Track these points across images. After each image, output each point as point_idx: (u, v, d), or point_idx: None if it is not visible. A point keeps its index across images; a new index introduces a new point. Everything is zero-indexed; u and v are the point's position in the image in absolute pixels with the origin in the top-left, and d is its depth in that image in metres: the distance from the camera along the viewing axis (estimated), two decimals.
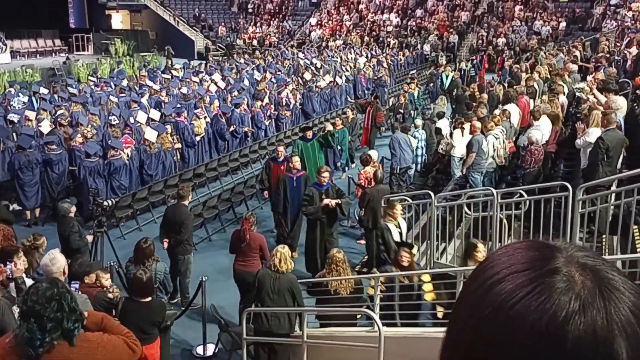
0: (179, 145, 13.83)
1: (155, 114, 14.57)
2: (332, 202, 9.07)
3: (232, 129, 15.45)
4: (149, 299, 5.97)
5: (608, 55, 17.94)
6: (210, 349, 7.58)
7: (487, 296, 0.71)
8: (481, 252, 6.18)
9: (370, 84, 23.01)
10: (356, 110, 17.79)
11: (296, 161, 10.45)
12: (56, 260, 5.07)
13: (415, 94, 19.79)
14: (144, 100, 16.58)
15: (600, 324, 0.66)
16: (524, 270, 0.71)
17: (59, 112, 14.70)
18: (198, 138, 14.46)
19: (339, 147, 14.55)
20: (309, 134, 12.84)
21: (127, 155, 12.22)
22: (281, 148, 11.22)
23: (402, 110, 17.85)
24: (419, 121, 14.39)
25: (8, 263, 5.52)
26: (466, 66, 24.45)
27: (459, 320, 0.75)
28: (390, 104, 20.05)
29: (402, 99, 18.59)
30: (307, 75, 21.82)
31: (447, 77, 22.29)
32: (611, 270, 0.71)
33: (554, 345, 0.65)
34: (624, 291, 0.69)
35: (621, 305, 0.67)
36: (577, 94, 13.26)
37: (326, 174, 9.49)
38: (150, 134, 12.78)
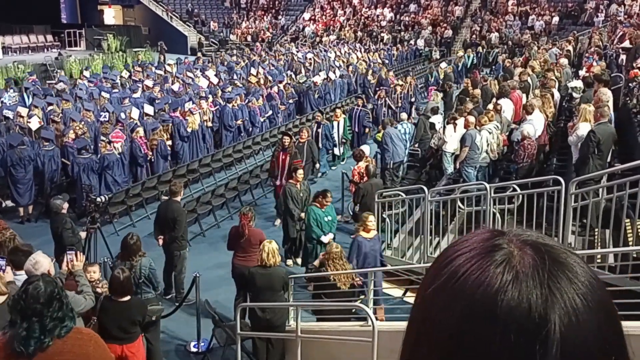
0: (169, 142, 13.76)
1: (148, 109, 14.53)
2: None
3: (239, 122, 15.69)
4: (128, 297, 5.87)
5: (599, 50, 17.96)
6: (204, 345, 7.57)
7: (435, 279, 0.74)
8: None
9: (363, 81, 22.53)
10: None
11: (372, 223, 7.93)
12: (39, 265, 4.96)
13: (337, 126, 14.30)
14: (137, 95, 16.50)
15: (536, 294, 0.67)
16: (469, 251, 0.74)
17: (49, 109, 14.62)
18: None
19: None
20: (326, 200, 8.98)
21: (118, 150, 12.15)
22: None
23: (309, 148, 12.40)
24: (404, 115, 14.45)
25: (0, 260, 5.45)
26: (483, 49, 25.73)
27: (414, 307, 0.77)
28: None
29: (306, 134, 12.52)
30: (302, 71, 21.75)
31: (468, 57, 24.73)
32: (558, 248, 0.72)
33: (487, 314, 0.67)
34: (570, 266, 0.70)
35: (563, 277, 0.68)
36: (570, 91, 13.25)
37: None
38: (135, 113, 13.68)
